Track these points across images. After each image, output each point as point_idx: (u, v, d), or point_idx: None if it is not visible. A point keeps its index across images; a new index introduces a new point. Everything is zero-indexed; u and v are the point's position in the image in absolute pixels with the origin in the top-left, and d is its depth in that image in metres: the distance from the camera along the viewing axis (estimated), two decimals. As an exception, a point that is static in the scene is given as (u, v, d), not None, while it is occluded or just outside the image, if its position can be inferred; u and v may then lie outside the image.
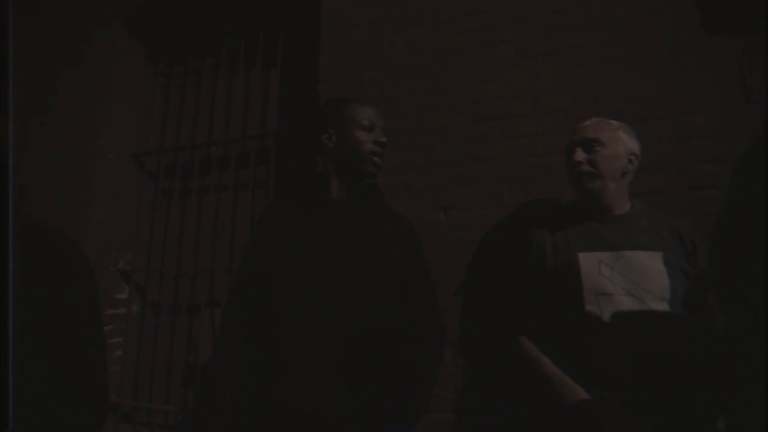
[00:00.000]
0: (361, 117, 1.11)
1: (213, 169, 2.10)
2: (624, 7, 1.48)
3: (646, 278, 1.09)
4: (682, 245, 1.13)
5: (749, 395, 0.39)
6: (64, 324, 0.87)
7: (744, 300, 0.41)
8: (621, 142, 1.18)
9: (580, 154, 1.19)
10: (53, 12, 2.31)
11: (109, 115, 2.12)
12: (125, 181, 2.16)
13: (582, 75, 1.47)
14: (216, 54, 2.23)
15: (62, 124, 2.12)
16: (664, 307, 1.06)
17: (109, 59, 2.16)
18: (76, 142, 2.07)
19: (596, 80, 1.45)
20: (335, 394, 0.94)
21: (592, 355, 1.06)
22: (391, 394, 0.99)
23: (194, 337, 1.93)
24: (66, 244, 0.97)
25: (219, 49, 2.22)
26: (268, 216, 1.15)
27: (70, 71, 2.18)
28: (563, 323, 1.13)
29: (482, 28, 1.62)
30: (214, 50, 2.24)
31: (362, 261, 1.03)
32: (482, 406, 1.37)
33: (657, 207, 1.22)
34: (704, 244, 1.11)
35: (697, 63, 1.37)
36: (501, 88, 1.55)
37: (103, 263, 2.01)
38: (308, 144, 1.81)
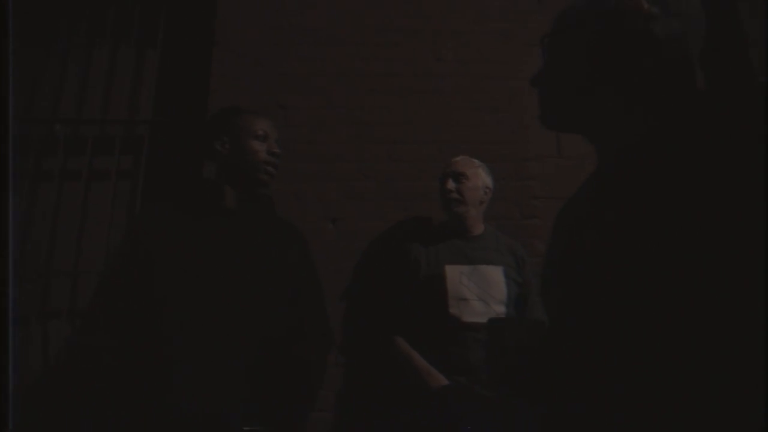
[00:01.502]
0: (256, 127, 1.14)
1: (60, 152, 1.79)
2: (484, 69, 1.84)
3: (491, 287, 1.40)
4: (515, 261, 1.47)
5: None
6: None
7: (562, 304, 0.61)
8: (481, 178, 1.49)
9: (451, 184, 1.46)
10: None
11: None
12: None
13: (456, 117, 1.77)
14: (77, 20, 1.92)
15: None
16: (502, 309, 1.38)
17: None
18: None
19: (465, 124, 1.77)
20: (232, 395, 0.96)
21: (453, 349, 1.32)
22: (286, 393, 1.06)
23: None
24: None
25: (81, 15, 1.92)
26: (152, 219, 1.11)
27: None
28: (431, 324, 1.36)
29: (373, 57, 1.81)
30: (76, 16, 1.92)
31: (256, 267, 1.07)
32: (360, 404, 1.52)
33: (500, 230, 1.56)
34: (529, 260, 1.47)
35: (531, 118, 1.80)
36: (388, 115, 1.75)
37: None
38: (194, 143, 1.72)
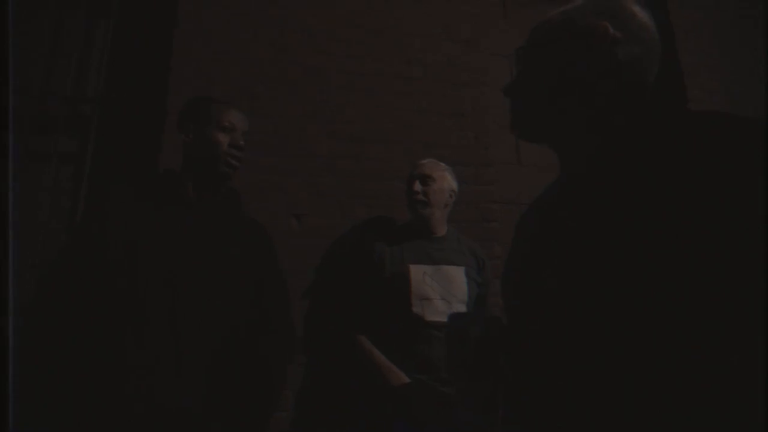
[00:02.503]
0: (222, 118, 1.12)
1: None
2: (449, 75, 1.89)
3: (453, 286, 1.44)
4: (476, 262, 1.53)
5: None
6: None
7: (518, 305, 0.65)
8: (446, 181, 1.53)
9: (417, 186, 1.49)
10: None
11: None
12: None
13: (421, 120, 1.81)
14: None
15: None
16: (463, 308, 1.42)
17: None
18: None
19: (430, 127, 1.81)
20: (190, 391, 0.93)
21: (415, 347, 1.34)
22: (247, 391, 1.03)
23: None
24: None
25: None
26: (108, 208, 1.05)
27: None
28: (394, 322, 1.38)
29: (343, 54, 1.79)
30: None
31: (215, 262, 1.04)
32: (321, 403, 1.51)
33: (462, 232, 1.61)
34: (488, 262, 1.54)
35: (493, 125, 1.88)
36: (356, 113, 1.75)
37: None
38: (149, 125, 1.61)
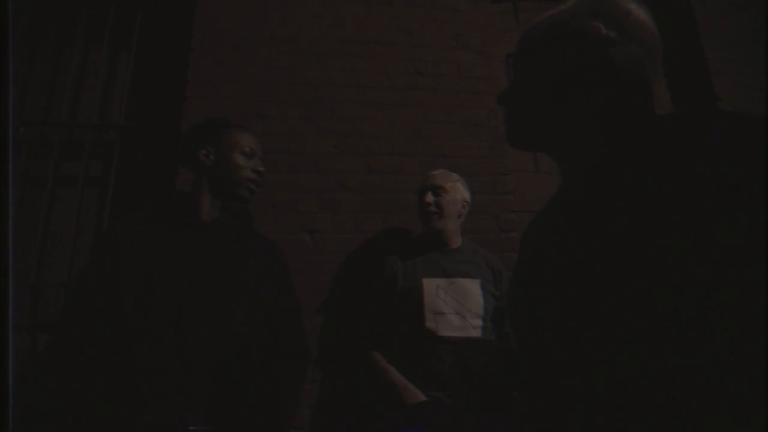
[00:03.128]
0: (243, 143, 1.13)
1: (24, 156, 1.71)
2: (462, 85, 1.87)
3: (468, 300, 1.40)
4: (492, 274, 1.48)
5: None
6: None
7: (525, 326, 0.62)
8: (459, 191, 1.50)
9: (429, 197, 1.46)
10: None
11: None
12: None
13: (434, 131, 1.79)
14: (47, 18, 1.85)
15: None
16: (479, 322, 1.37)
17: None
18: None
19: (443, 138, 1.79)
20: (200, 408, 0.94)
21: (428, 364, 1.30)
22: (259, 411, 1.02)
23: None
24: None
25: (51, 12, 1.85)
26: (125, 229, 1.07)
27: None
28: (408, 337, 1.35)
29: (351, 68, 1.81)
30: (46, 13, 1.85)
31: (229, 280, 1.05)
32: (336, 420, 1.48)
33: (478, 243, 1.57)
34: (506, 273, 1.48)
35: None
36: (367, 127, 1.75)
37: None
38: (167, 150, 1.67)
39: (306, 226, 1.61)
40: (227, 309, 1.02)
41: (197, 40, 1.73)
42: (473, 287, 1.42)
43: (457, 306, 1.38)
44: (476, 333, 1.35)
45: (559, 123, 0.57)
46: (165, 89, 1.80)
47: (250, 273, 1.08)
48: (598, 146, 0.55)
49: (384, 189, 1.68)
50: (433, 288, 1.39)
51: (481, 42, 1.94)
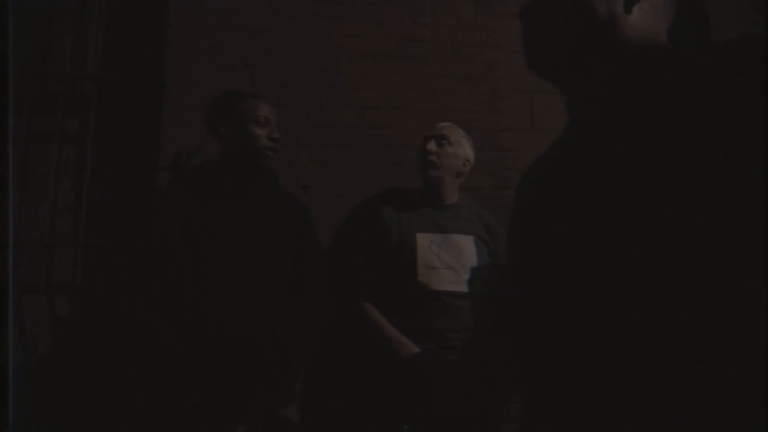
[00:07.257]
0: (258, 112, 1.21)
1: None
2: (460, 36, 1.79)
3: (462, 256, 1.39)
4: (487, 230, 1.47)
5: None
6: None
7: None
8: (463, 147, 1.46)
9: (432, 146, 1.43)
10: None
11: None
12: None
13: (430, 85, 1.72)
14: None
15: None
16: (473, 278, 1.37)
17: None
18: None
19: (440, 92, 1.73)
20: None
21: (421, 317, 1.30)
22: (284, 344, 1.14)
23: None
24: None
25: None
26: (169, 203, 1.18)
27: None
28: (401, 291, 1.34)
29: (346, 17, 1.71)
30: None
31: (263, 240, 1.18)
32: (331, 375, 1.49)
33: (475, 200, 1.54)
34: (500, 231, 1.47)
35: (507, 89, 1.78)
36: (361, 79, 1.68)
37: None
38: (149, 102, 1.57)
39: (299, 181, 1.57)
40: (264, 266, 1.16)
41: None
42: (467, 243, 1.41)
43: (451, 261, 1.38)
44: (469, 287, 1.35)
45: (573, 51, 0.55)
46: (144, 35, 1.68)
47: (279, 229, 1.21)
48: (607, 78, 0.53)
49: (379, 144, 1.63)
50: (427, 243, 1.38)
51: (481, -8, 1.85)
